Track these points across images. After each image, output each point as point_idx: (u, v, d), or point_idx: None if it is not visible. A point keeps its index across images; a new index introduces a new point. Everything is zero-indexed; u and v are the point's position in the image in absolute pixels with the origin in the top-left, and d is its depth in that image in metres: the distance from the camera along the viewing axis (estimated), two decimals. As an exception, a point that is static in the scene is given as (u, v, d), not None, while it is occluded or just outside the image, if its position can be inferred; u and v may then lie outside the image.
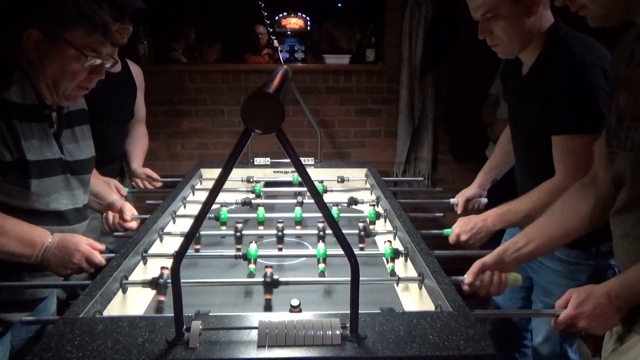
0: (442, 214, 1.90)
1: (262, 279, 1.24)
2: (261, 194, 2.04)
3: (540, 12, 1.39)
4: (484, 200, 1.89)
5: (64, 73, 1.28)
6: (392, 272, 1.40)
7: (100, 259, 1.31)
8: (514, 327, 1.88)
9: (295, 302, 1.11)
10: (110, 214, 1.67)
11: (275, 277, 1.23)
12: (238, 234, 1.57)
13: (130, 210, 1.66)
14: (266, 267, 1.27)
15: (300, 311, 1.11)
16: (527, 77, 1.51)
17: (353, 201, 1.91)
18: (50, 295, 1.54)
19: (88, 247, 1.30)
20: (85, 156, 1.50)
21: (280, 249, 1.55)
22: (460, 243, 1.57)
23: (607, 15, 0.97)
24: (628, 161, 1.00)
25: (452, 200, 1.90)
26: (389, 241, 1.48)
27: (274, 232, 1.57)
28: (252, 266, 1.38)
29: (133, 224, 1.65)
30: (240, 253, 1.41)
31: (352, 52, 3.51)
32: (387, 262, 1.43)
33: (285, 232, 1.57)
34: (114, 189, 1.95)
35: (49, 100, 1.34)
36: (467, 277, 1.23)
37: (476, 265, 1.24)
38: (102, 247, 1.35)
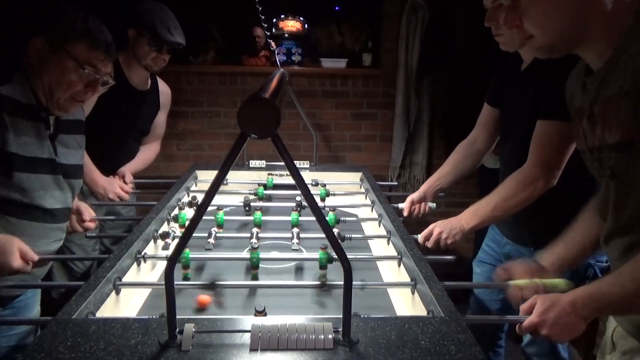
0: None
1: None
2: (264, 196, 2.05)
3: None
4: (432, 204, 1.92)
5: (60, 82, 1.34)
6: (323, 278, 1.35)
7: (25, 267, 1.29)
8: (489, 327, 1.89)
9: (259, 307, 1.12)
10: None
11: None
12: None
13: (87, 211, 1.66)
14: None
15: (265, 315, 1.11)
16: (526, 71, 1.54)
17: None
18: (33, 295, 1.54)
19: (20, 261, 1.28)
20: (76, 162, 1.53)
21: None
22: (428, 245, 1.60)
23: (554, 46, 0.98)
24: (611, 188, 1.01)
25: (400, 205, 1.92)
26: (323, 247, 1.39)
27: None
28: (186, 271, 1.38)
29: (91, 225, 1.66)
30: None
31: (356, 53, 3.53)
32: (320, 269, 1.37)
33: (281, 235, 1.57)
34: (117, 187, 2.02)
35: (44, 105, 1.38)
36: (514, 283, 1.26)
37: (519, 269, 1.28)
38: (35, 258, 1.32)
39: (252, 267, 1.37)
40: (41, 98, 1.36)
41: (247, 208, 1.84)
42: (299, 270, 1.53)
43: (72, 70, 1.33)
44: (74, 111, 1.50)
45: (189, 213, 1.74)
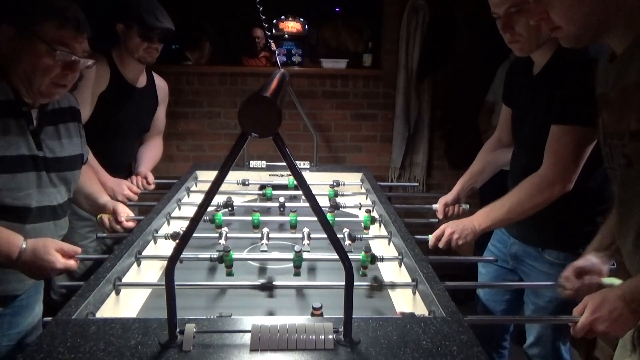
0: (437, 220, 1.91)
1: (257, 283, 1.24)
2: (272, 197, 2.04)
3: None
4: (465, 206, 1.90)
5: (37, 69, 1.28)
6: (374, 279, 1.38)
7: (69, 263, 1.28)
8: (494, 328, 1.88)
9: (317, 304, 1.11)
10: (105, 217, 1.66)
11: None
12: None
13: (123, 211, 1.65)
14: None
15: (321, 314, 1.10)
16: (539, 75, 1.53)
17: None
18: (34, 294, 1.53)
19: (63, 260, 1.27)
20: (68, 154, 1.48)
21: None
22: (440, 245, 1.58)
23: (581, 36, 1.01)
24: (617, 178, 1.02)
25: (433, 206, 1.91)
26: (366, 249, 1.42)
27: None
28: (230, 269, 1.37)
29: (129, 224, 1.64)
30: (216, 256, 1.37)
31: (357, 54, 3.53)
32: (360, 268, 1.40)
33: (279, 235, 1.57)
34: (125, 189, 1.99)
35: (26, 97, 1.34)
36: (567, 284, 1.27)
37: (570, 270, 1.28)
38: (77, 249, 1.32)
39: (295, 267, 1.37)
40: (21, 89, 1.31)
41: (281, 209, 1.86)
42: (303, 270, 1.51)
43: (45, 53, 1.27)
44: (60, 98, 1.45)
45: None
